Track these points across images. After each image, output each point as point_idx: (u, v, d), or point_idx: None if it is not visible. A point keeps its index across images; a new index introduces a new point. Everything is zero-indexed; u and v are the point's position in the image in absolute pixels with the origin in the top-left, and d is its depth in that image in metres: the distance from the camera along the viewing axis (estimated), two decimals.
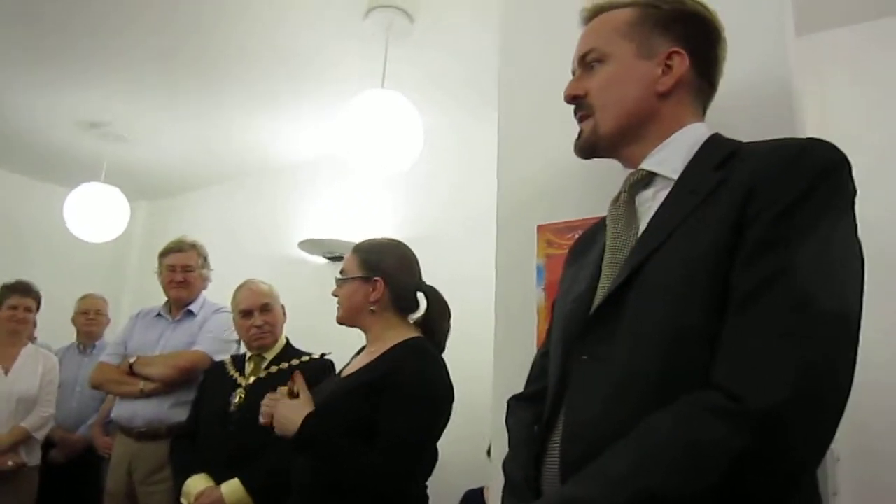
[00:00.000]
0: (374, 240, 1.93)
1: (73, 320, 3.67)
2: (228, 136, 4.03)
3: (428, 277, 1.89)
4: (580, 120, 1.10)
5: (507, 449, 1.14)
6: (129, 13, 2.77)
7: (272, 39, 2.93)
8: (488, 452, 2.23)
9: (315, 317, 3.00)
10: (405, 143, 2.69)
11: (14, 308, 3.13)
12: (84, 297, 3.73)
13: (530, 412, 1.11)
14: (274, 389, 1.74)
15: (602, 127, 1.06)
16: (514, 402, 1.20)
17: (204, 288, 2.94)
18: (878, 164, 2.18)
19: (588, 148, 1.10)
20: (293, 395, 1.66)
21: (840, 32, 2.50)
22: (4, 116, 3.88)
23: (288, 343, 2.48)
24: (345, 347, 2.36)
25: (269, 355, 2.40)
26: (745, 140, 0.98)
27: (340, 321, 1.83)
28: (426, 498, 1.73)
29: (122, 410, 2.68)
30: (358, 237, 3.77)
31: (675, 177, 0.97)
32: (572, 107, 1.11)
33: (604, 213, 1.09)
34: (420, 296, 1.85)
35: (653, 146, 1.03)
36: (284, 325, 2.52)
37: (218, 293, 2.96)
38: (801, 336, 0.75)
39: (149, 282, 3.24)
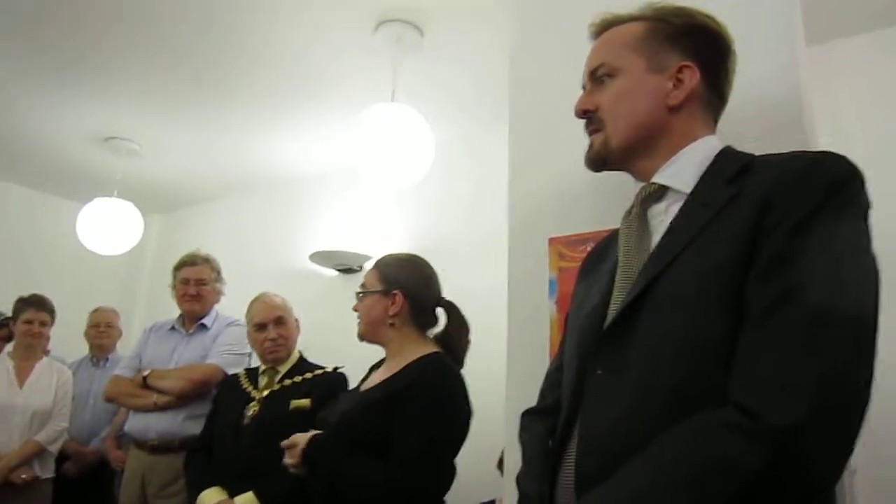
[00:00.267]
0: (395, 255, 1.95)
1: (85, 334, 3.69)
2: (239, 149, 4.06)
3: None
4: (591, 133, 1.10)
5: (520, 462, 1.14)
6: (141, 29, 2.80)
7: (283, 54, 2.95)
8: (498, 464, 2.22)
9: (325, 328, 3.01)
10: (416, 156, 2.70)
11: (29, 322, 3.15)
12: (95, 311, 3.75)
13: (543, 426, 1.11)
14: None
15: (613, 141, 1.06)
16: (527, 417, 1.20)
17: (217, 301, 2.96)
18: (890, 172, 2.17)
19: (598, 161, 1.10)
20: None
21: (850, 42, 2.49)
22: (18, 132, 3.92)
23: (301, 356, 2.49)
24: (355, 360, 2.37)
25: (283, 368, 2.40)
26: (755, 150, 0.98)
27: (362, 336, 1.84)
28: None
29: (136, 423, 2.69)
30: (369, 250, 3.84)
31: (688, 190, 0.97)
32: (583, 120, 1.12)
33: (616, 226, 1.10)
34: (440, 311, 1.86)
35: (664, 160, 1.03)
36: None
37: (229, 304, 2.98)
38: (818, 350, 0.74)
39: (161, 294, 3.26)
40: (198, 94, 3.38)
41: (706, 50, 1.05)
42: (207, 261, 2.92)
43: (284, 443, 1.67)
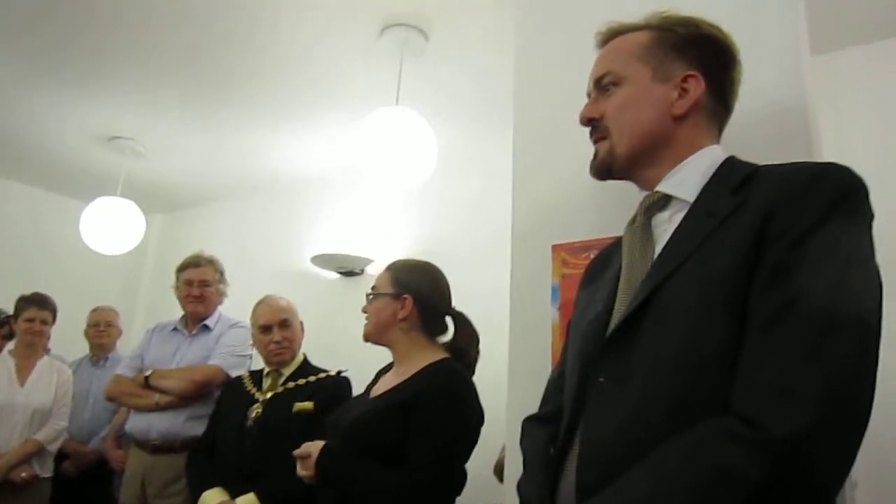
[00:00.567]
0: (408, 260, 1.96)
1: (85, 333, 3.68)
2: (242, 150, 4.07)
3: None
4: (595, 142, 1.10)
5: (521, 469, 1.14)
6: (146, 30, 2.81)
7: (288, 56, 2.96)
8: (494, 469, 2.22)
9: (327, 331, 3.02)
10: (419, 159, 2.70)
11: (31, 321, 3.15)
12: (95, 310, 3.74)
13: (545, 433, 1.11)
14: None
15: (618, 149, 1.06)
16: (529, 424, 1.20)
17: (220, 303, 2.96)
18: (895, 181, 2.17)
19: (603, 170, 1.10)
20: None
21: (855, 51, 2.49)
22: (23, 130, 3.93)
23: (306, 359, 2.49)
24: (356, 362, 2.37)
25: (287, 371, 2.41)
26: (760, 159, 0.98)
27: (367, 337, 1.84)
28: None
29: (137, 423, 2.69)
30: (371, 253, 3.84)
31: (692, 199, 0.97)
32: (587, 128, 1.12)
33: (619, 233, 1.10)
34: (448, 320, 1.87)
35: (668, 169, 1.03)
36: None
37: (230, 306, 2.99)
38: (822, 358, 0.74)
39: (162, 294, 3.26)
40: (202, 95, 3.39)
41: (712, 60, 1.05)
42: (211, 262, 2.93)
43: (297, 452, 1.67)
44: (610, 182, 1.15)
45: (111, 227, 3.98)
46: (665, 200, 1.02)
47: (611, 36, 1.13)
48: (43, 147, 4.17)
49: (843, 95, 2.43)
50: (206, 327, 2.86)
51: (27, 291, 3.28)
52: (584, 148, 1.13)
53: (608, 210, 1.39)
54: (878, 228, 0.88)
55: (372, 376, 1.95)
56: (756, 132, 1.26)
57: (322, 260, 3.94)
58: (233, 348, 2.75)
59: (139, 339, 3.10)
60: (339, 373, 2.39)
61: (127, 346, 3.78)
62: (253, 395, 2.36)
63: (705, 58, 1.04)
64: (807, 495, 0.73)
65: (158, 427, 2.63)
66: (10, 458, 2.85)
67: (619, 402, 0.89)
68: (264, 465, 2.09)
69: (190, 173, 4.53)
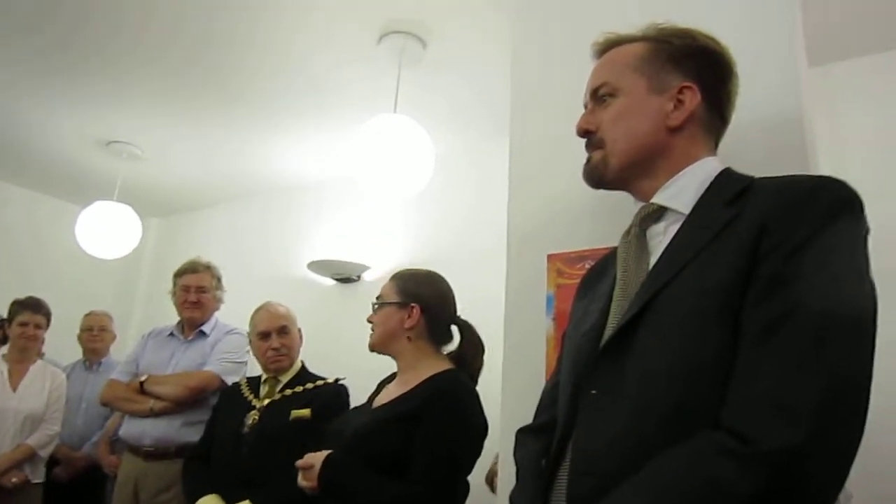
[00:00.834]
0: (414, 269, 1.95)
1: (78, 337, 3.67)
2: (240, 155, 4.06)
3: None
4: (591, 153, 1.10)
5: (514, 480, 1.13)
6: (145, 35, 2.81)
7: (286, 63, 2.96)
8: (486, 478, 2.21)
9: (322, 337, 3.00)
10: (416, 167, 2.70)
11: (24, 325, 3.13)
12: (88, 315, 3.72)
13: (538, 444, 1.10)
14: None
15: (612, 159, 1.06)
16: (522, 435, 1.20)
17: (217, 309, 2.96)
18: (891, 194, 2.17)
19: (595, 177, 1.10)
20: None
21: (852, 63, 2.50)
22: (20, 133, 3.93)
23: (304, 366, 2.48)
24: (352, 369, 2.36)
25: (285, 378, 2.40)
26: (756, 171, 0.98)
27: (373, 347, 1.83)
28: None
29: (131, 429, 2.68)
30: (367, 260, 3.84)
31: (687, 211, 0.97)
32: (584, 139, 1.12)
33: (615, 244, 1.10)
34: (454, 330, 1.86)
35: (664, 180, 1.03)
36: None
37: (225, 311, 2.99)
38: (817, 371, 0.74)
39: (158, 299, 3.25)
40: (200, 100, 3.39)
41: (708, 71, 1.05)
42: (209, 268, 2.93)
43: (300, 463, 1.66)
44: (606, 192, 1.16)
45: (107, 230, 3.97)
46: (660, 212, 1.02)
47: (607, 47, 1.13)
48: (40, 150, 4.16)
49: (839, 107, 2.44)
50: (203, 333, 2.85)
51: (22, 295, 3.26)
52: (580, 158, 1.13)
53: (604, 221, 1.39)
54: (874, 241, 0.88)
55: (367, 383, 1.94)
56: (752, 144, 1.26)
57: (318, 266, 3.93)
58: (229, 354, 2.75)
59: (134, 343, 3.08)
60: (336, 380, 2.39)
61: (122, 350, 3.75)
62: (250, 401, 2.35)
63: (701, 69, 1.05)
64: None
65: (153, 433, 2.61)
66: (2, 463, 2.83)
67: (612, 413, 0.88)
68: (261, 472, 2.08)
69: (187, 178, 4.52)
